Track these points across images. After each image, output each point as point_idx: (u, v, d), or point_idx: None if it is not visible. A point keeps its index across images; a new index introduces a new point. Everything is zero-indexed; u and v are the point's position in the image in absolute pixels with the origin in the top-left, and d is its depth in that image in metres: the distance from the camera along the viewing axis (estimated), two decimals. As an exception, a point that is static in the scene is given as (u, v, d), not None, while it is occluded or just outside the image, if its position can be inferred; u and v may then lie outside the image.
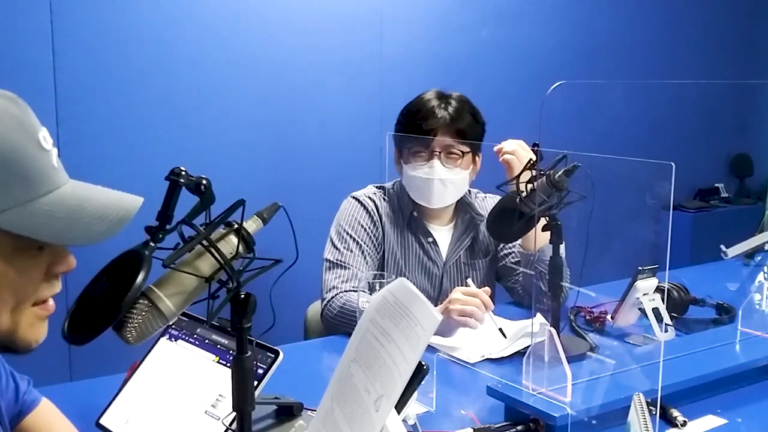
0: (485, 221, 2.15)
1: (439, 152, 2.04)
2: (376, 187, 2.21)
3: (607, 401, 1.40)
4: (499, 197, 2.23)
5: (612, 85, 4.01)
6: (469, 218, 2.20)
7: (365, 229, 2.10)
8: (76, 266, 0.93)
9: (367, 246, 2.10)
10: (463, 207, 2.20)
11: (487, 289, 1.90)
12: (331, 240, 2.11)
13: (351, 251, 2.07)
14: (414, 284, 2.16)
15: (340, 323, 1.96)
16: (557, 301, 1.71)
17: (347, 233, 2.09)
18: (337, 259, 2.06)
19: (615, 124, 3.97)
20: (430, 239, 2.16)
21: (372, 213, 2.13)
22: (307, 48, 3.24)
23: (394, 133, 2.15)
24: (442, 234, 2.19)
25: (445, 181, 2.05)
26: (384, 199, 2.16)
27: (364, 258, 2.08)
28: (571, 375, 1.40)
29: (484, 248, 2.22)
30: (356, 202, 2.15)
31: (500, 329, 1.84)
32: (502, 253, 2.22)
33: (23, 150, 0.83)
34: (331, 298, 2.00)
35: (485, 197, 2.25)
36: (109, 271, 0.93)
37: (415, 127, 2.06)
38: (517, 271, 2.17)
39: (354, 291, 1.99)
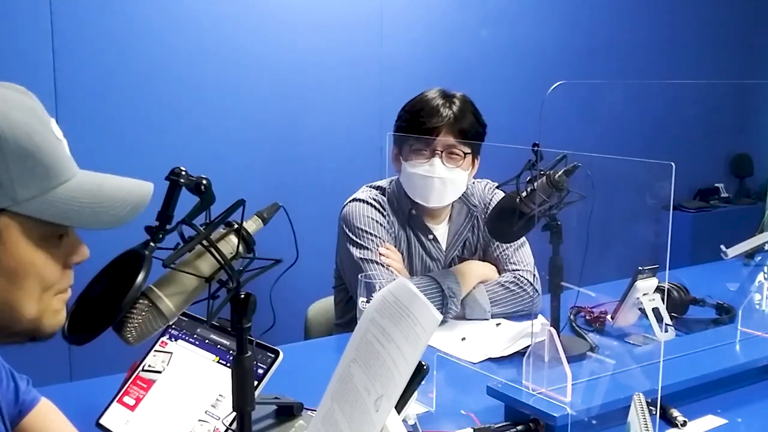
0: (485, 220, 2.15)
1: (441, 151, 2.02)
2: (373, 187, 2.17)
3: (607, 401, 1.40)
4: (488, 181, 2.23)
5: (612, 85, 4.01)
6: (466, 210, 2.19)
7: (382, 226, 2.08)
8: (77, 266, 0.94)
9: (389, 242, 2.07)
10: (458, 199, 2.18)
11: None
12: (354, 242, 2.05)
13: (378, 247, 2.04)
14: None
15: None
16: (556, 301, 1.71)
17: (367, 232, 2.05)
18: (370, 258, 2.01)
19: (615, 124, 3.97)
20: (431, 236, 2.15)
21: (381, 211, 2.10)
22: (307, 48, 3.24)
23: (394, 131, 2.12)
24: (441, 229, 2.18)
25: (445, 180, 2.03)
26: (384, 200, 2.15)
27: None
28: (571, 375, 1.40)
29: (481, 237, 2.20)
30: (363, 203, 2.11)
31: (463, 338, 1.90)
32: (496, 254, 2.19)
33: (44, 141, 0.87)
34: None
35: (476, 182, 2.22)
36: (109, 271, 0.93)
37: (417, 125, 2.03)
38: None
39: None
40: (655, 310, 1.85)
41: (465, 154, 2.05)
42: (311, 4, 3.23)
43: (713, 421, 1.48)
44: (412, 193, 2.09)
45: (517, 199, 1.73)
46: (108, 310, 0.89)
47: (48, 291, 0.91)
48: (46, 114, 0.91)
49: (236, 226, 0.99)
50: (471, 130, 2.06)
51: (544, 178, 1.67)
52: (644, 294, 1.86)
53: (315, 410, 1.13)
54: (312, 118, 3.30)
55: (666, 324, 1.85)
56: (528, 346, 1.49)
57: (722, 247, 2.26)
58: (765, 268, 2.16)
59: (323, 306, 2.36)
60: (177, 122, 3.00)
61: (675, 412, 1.45)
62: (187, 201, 0.94)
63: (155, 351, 1.48)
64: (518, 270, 2.11)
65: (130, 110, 2.91)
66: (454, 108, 2.05)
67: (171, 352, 1.47)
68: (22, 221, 0.85)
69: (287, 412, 1.40)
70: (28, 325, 0.90)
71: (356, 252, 2.03)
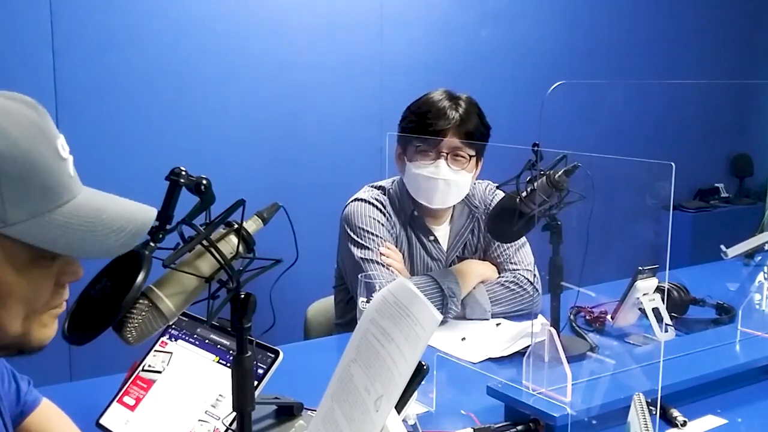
0: (485, 221, 2.14)
1: (446, 153, 2.02)
2: (375, 187, 2.17)
3: (607, 401, 1.40)
4: (489, 182, 2.23)
5: (612, 85, 4.01)
6: (468, 211, 2.18)
7: (383, 226, 2.07)
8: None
9: (390, 242, 2.07)
10: (460, 201, 2.17)
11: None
12: (355, 242, 2.04)
13: (379, 247, 2.03)
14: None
15: None
16: (556, 301, 1.71)
17: (368, 232, 2.04)
18: (371, 258, 2.01)
19: (615, 124, 3.97)
20: (432, 237, 2.14)
21: (383, 211, 2.09)
22: (307, 48, 3.24)
23: (398, 132, 2.11)
24: (442, 230, 2.17)
25: (449, 182, 2.02)
26: (386, 200, 2.14)
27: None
28: (571, 375, 1.40)
29: (482, 238, 2.20)
30: (365, 203, 2.10)
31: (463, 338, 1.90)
32: (496, 254, 2.18)
33: (43, 160, 0.82)
34: None
35: (477, 183, 2.21)
36: (109, 271, 0.93)
37: (423, 126, 2.03)
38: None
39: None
40: (655, 310, 1.85)
41: (470, 156, 2.05)
42: (311, 4, 3.23)
43: (713, 421, 1.48)
44: (415, 194, 2.08)
45: (517, 199, 1.73)
46: (108, 310, 0.89)
47: (35, 312, 0.88)
48: (52, 130, 0.85)
49: (236, 226, 0.99)
50: (476, 132, 2.05)
51: (544, 178, 1.67)
52: (644, 294, 1.86)
53: (315, 410, 1.13)
54: (312, 118, 3.30)
55: (666, 324, 1.85)
56: (528, 346, 1.50)
57: (722, 247, 2.27)
58: (765, 268, 2.16)
59: (323, 306, 2.36)
60: (177, 122, 3.00)
61: (675, 412, 1.45)
62: (187, 201, 0.94)
63: (155, 351, 1.48)
64: (518, 270, 2.11)
65: (130, 110, 2.91)
66: (460, 110, 2.04)
67: (171, 352, 1.47)
68: (9, 245, 0.81)
69: (287, 412, 1.40)
70: (13, 341, 0.88)
71: (357, 252, 2.03)
